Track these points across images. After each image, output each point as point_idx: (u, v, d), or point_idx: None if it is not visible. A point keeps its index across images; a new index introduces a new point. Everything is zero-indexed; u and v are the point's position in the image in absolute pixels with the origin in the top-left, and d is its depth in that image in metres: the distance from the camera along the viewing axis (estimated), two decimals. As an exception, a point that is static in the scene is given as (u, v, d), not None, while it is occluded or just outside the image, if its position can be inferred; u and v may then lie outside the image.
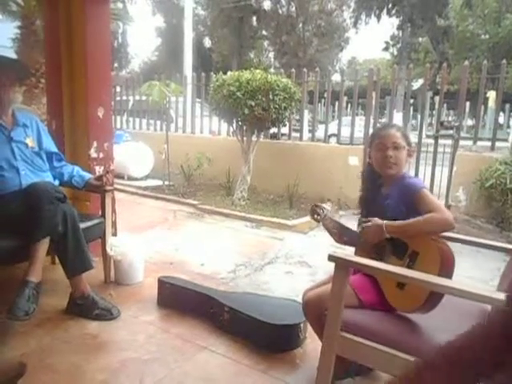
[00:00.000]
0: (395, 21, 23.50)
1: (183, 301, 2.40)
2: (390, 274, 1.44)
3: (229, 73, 5.20)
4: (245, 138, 5.31)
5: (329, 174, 5.36)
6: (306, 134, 6.92)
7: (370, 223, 1.64)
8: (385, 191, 1.77)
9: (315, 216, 1.81)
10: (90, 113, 2.99)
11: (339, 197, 5.24)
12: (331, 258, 1.46)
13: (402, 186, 1.67)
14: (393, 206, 1.65)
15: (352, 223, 1.85)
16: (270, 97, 4.82)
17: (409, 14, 21.47)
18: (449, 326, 1.46)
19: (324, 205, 1.83)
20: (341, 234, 1.77)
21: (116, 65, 25.42)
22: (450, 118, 18.66)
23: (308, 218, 4.58)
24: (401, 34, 23.11)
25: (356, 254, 1.74)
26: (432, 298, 1.45)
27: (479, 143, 5.43)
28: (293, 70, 6.16)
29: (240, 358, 1.99)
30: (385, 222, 1.59)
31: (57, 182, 2.53)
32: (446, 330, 1.46)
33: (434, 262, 1.46)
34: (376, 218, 1.63)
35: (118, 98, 8.55)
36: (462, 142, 5.19)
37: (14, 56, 6.92)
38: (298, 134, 6.48)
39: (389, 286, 1.57)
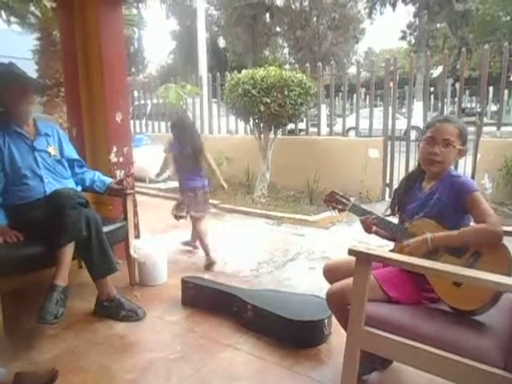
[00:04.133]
0: (411, 8, 23.04)
1: (207, 300, 2.42)
2: (441, 272, 1.34)
3: (243, 71, 5.19)
4: (262, 136, 5.31)
5: (349, 168, 5.29)
6: (324, 129, 6.85)
7: (413, 240, 1.55)
8: (428, 186, 1.69)
9: (334, 204, 1.74)
10: (108, 118, 3.04)
11: (360, 190, 5.17)
12: (351, 252, 1.44)
13: (451, 183, 1.59)
14: (441, 204, 1.58)
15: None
16: (286, 93, 4.79)
17: (425, 0, 20.96)
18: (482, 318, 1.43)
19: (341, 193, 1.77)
20: (373, 224, 1.70)
21: (133, 70, 25.83)
22: (472, 105, 18.16)
23: (329, 214, 4.54)
24: (418, 22, 22.60)
25: (395, 250, 1.67)
26: (496, 298, 1.38)
27: (504, 128, 5.26)
28: (307, 64, 6.12)
29: (265, 355, 1.99)
30: (429, 235, 1.51)
31: (79, 188, 2.58)
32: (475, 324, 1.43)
33: (503, 264, 1.39)
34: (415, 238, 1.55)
35: (137, 103, 8.68)
36: (486, 128, 5.03)
37: (34, 66, 7.15)
38: (315, 129, 6.43)
39: (442, 283, 1.49)
